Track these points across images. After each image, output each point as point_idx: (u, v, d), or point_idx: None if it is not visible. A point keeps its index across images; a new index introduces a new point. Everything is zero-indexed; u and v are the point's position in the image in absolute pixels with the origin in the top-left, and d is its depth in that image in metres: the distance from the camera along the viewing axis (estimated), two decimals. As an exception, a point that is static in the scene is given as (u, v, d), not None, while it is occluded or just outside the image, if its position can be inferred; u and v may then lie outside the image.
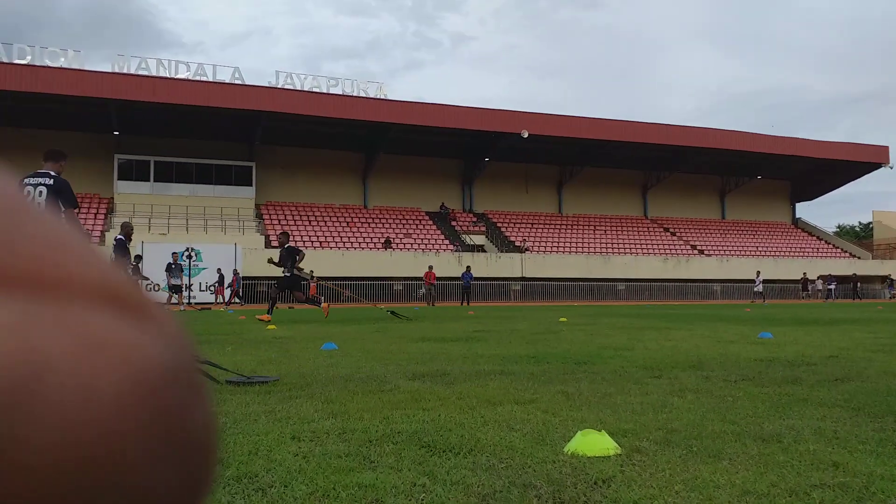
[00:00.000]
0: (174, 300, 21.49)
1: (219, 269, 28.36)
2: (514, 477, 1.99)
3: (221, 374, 4.04)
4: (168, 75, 32.26)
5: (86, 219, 33.13)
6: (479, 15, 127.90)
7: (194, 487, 0.20)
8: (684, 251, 42.63)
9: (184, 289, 23.80)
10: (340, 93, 35.29)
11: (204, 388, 0.21)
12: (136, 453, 0.18)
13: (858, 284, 39.60)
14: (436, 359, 5.38)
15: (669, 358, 5.41)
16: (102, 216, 33.70)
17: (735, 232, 47.29)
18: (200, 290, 28.16)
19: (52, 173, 5.52)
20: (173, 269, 21.78)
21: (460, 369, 4.65)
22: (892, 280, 33.21)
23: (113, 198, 34.91)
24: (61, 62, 30.81)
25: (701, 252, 42.90)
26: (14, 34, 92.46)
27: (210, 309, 21.27)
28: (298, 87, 34.65)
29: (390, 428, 2.65)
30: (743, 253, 43.58)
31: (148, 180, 35.22)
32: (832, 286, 36.64)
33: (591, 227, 43.55)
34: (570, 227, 43.23)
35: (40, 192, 5.05)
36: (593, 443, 2.27)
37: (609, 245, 41.51)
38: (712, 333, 8.47)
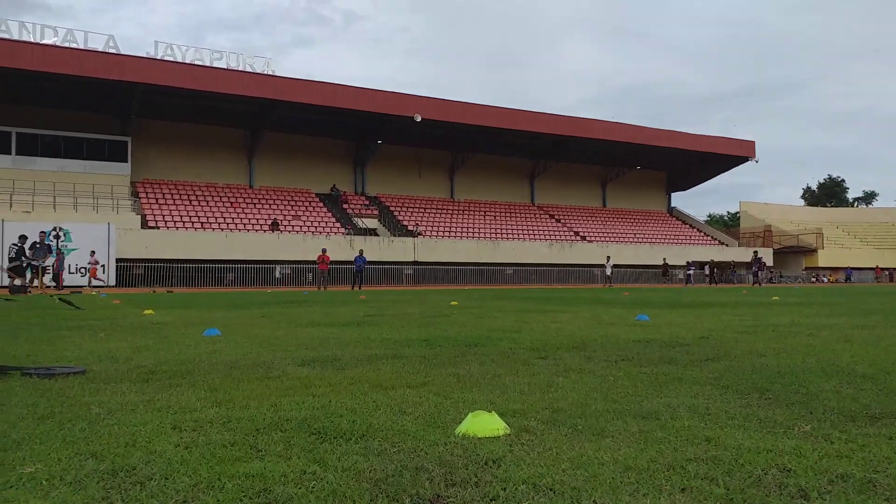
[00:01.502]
0: (35, 283, 19.99)
1: (92, 252, 26.67)
2: (406, 461, 1.98)
3: (15, 366, 3.78)
4: (33, 40, 29.72)
5: (-65, 194, 30.08)
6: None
7: None
8: (568, 237, 44.30)
9: (49, 271, 22.18)
10: (225, 67, 33.85)
11: None
12: None
13: (715, 270, 42.69)
14: (326, 344, 5.29)
15: (555, 339, 5.58)
16: (-45, 191, 30.71)
17: (615, 219, 49.68)
18: (70, 273, 26.32)
19: None
20: (38, 248, 20.21)
21: (352, 354, 4.59)
22: (760, 262, 36.01)
23: (-32, 171, 31.89)
24: None
25: (583, 238, 44.74)
26: None
27: (80, 292, 19.90)
28: (179, 59, 32.92)
29: (278, 415, 2.57)
30: (622, 239, 45.85)
31: (9, 153, 32.40)
32: (690, 271, 39.27)
33: (482, 213, 44.35)
34: (461, 212, 43.81)
35: None
36: (483, 424, 2.30)
37: (498, 230, 42.45)
38: (594, 316, 8.84)
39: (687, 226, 53.15)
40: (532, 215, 46.50)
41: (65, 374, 3.60)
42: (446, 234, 40.27)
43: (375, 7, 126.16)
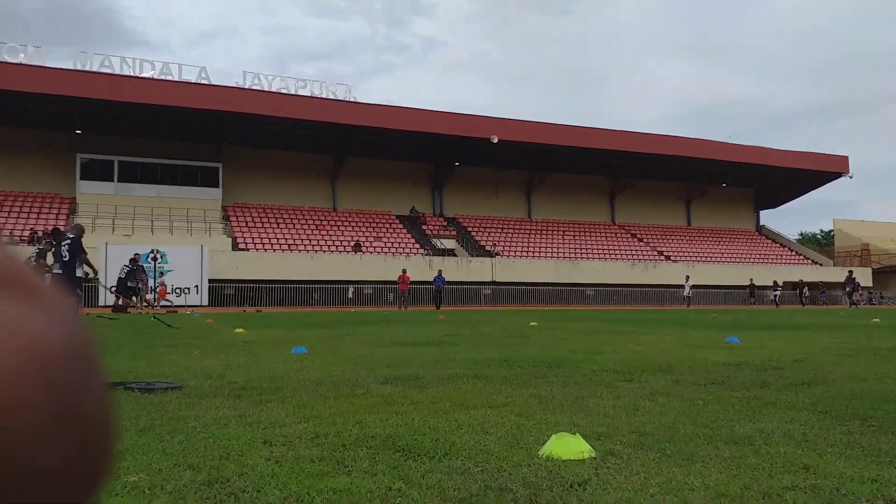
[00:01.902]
0: (132, 302, 21.09)
1: (161, 272, 27.02)
2: (489, 480, 1.98)
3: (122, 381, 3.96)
4: (133, 74, 31.69)
5: (46, 219, 32.36)
6: (449, 20, 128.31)
7: (91, 467, 0.20)
8: (651, 257, 43.22)
9: (147, 291, 23.36)
10: (309, 94, 35.04)
11: (99, 367, 0.21)
12: (27, 429, 0.18)
13: (805, 290, 40.54)
14: (408, 363, 5.35)
15: (639, 362, 5.45)
16: (65, 216, 32.94)
17: (700, 238, 48.12)
18: (167, 293, 27.69)
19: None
20: (134, 271, 21.37)
21: (433, 373, 4.63)
22: (854, 283, 34.04)
23: (75, 198, 34.16)
24: (21, 58, 30.08)
25: (667, 258, 43.54)
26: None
27: (176, 312, 20.89)
28: (266, 88, 34.31)
29: (364, 432, 2.62)
30: (708, 259, 44.34)
31: (112, 180, 34.51)
32: (777, 292, 37.44)
33: (560, 233, 43.90)
34: (539, 232, 43.51)
35: None
36: (568, 446, 2.27)
37: (578, 250, 41.89)
38: (680, 338, 8.57)
39: (777, 244, 50.89)
40: (613, 235, 45.67)
41: (163, 389, 3.78)
42: (524, 254, 40.06)
43: (453, 32, 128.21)
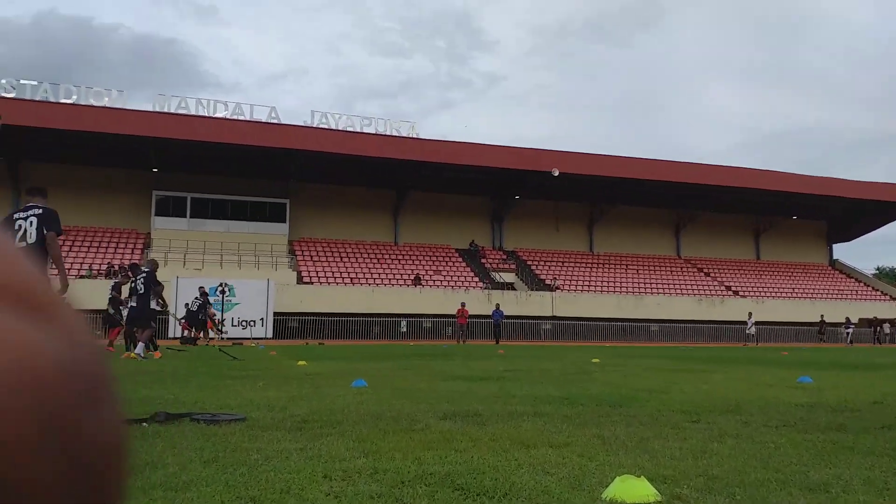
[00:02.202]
0: (200, 336, 21.66)
1: (186, 304, 26.20)
2: (550, 523, 1.93)
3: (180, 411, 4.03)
4: (207, 114, 33.11)
5: (123, 253, 33.83)
6: (510, 55, 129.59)
7: (89, 489, 0.19)
8: (718, 292, 41.97)
9: (214, 324, 23.97)
10: (374, 132, 35.84)
11: (108, 392, 0.20)
12: (20, 451, 0.17)
13: (880, 328, 38.47)
14: (466, 398, 5.32)
15: (707, 402, 5.27)
16: (140, 251, 34.39)
17: (770, 273, 46.47)
18: (233, 325, 28.42)
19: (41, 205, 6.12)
20: (203, 304, 22.01)
21: (492, 409, 4.58)
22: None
23: (150, 233, 35.66)
24: (105, 101, 31.88)
25: (735, 293, 42.20)
26: (65, 74, 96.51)
27: (241, 344, 21.38)
28: (333, 127, 35.27)
29: (422, 469, 2.61)
30: (778, 294, 42.75)
31: (184, 216, 35.91)
32: (850, 329, 35.64)
33: (623, 267, 43.15)
34: (601, 265, 42.89)
35: (31, 221, 5.72)
36: (632, 489, 2.21)
37: (641, 285, 41.06)
38: (749, 376, 8.25)
39: (852, 279, 48.66)
40: (678, 269, 44.62)
41: (227, 420, 3.86)
42: (586, 288, 39.50)
43: (513, 66, 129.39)
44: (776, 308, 38.94)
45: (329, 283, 34.54)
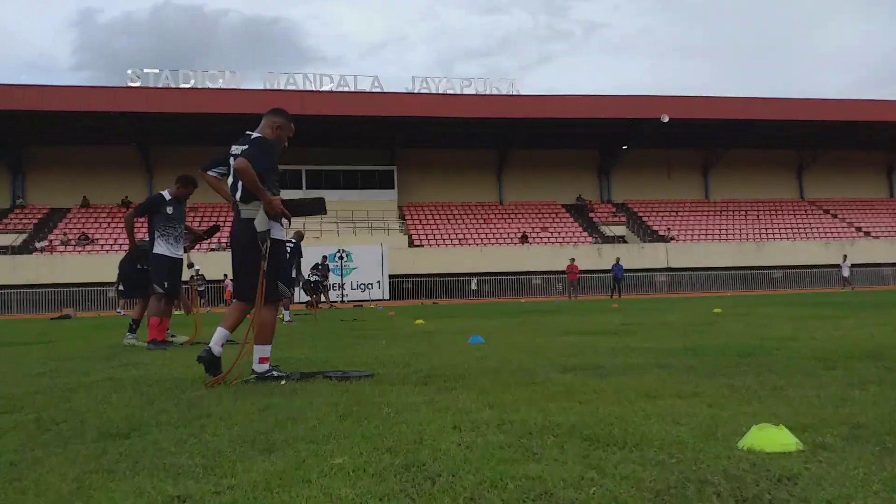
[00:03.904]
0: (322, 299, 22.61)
1: (225, 275, 26.95)
2: (687, 472, 1.90)
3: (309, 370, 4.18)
4: (314, 88, 34.06)
5: (245, 226, 35.72)
6: (611, 1, 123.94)
7: None
8: (848, 234, 39.12)
9: (328, 288, 25.03)
10: (473, 92, 35.63)
11: None
12: None
13: None
14: (585, 352, 5.29)
15: (842, 348, 4.97)
16: (259, 223, 36.19)
17: (909, 210, 42.73)
18: (352, 289, 29.83)
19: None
20: (320, 269, 22.95)
21: (612, 362, 4.53)
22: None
23: (270, 206, 37.42)
24: (220, 83, 33.45)
25: (867, 234, 39.19)
26: (182, 60, 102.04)
27: (361, 306, 22.21)
28: (433, 91, 35.36)
29: (549, 420, 2.63)
30: (920, 233, 39.32)
31: (301, 188, 37.46)
32: None
33: (742, 213, 41.02)
34: (718, 213, 40.98)
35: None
36: (771, 438, 2.13)
37: (762, 231, 38.95)
38: (889, 321, 7.70)
39: None
40: (802, 212, 41.89)
41: (357, 377, 4.05)
42: (702, 237, 37.92)
43: (616, 12, 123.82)
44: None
45: (439, 246, 35.10)
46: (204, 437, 2.57)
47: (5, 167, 36.61)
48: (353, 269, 30.13)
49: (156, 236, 7.14)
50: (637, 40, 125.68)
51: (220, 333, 4.24)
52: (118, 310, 23.50)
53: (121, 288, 23.52)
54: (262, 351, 4.18)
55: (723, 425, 2.48)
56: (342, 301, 25.89)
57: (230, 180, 4.34)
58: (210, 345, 4.19)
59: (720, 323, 8.49)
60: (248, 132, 4.47)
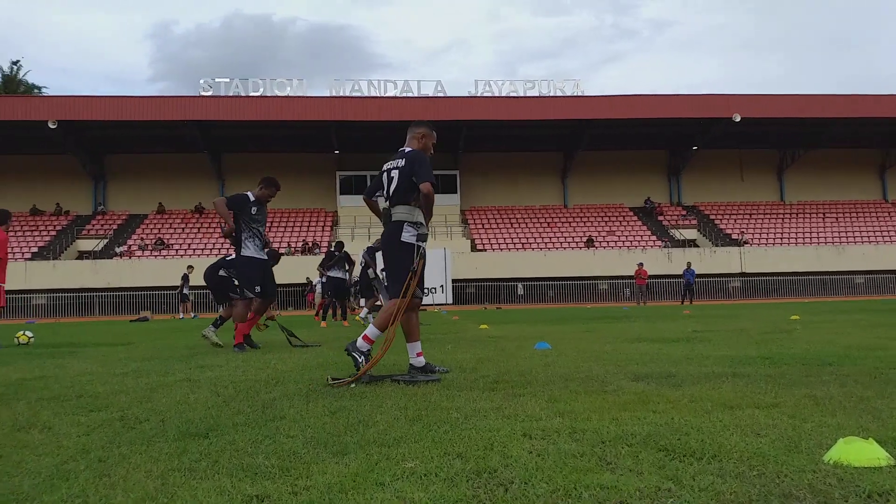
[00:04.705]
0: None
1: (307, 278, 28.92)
2: (769, 486, 1.83)
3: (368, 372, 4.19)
4: (378, 94, 34.52)
5: (314, 232, 36.51)
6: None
7: None
8: (939, 237, 37.00)
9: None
10: (537, 94, 35.38)
11: None
12: None
13: None
14: (656, 360, 5.17)
15: (936, 359, 4.70)
16: (329, 228, 36.94)
17: None
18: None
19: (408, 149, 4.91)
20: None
21: (686, 371, 4.41)
22: None
23: (336, 211, 38.14)
24: (288, 91, 34.32)
25: (961, 237, 36.97)
26: (252, 69, 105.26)
27: (425, 310, 22.31)
28: (496, 94, 35.30)
29: (622, 429, 2.58)
30: None
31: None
32: None
33: (820, 215, 39.35)
34: (794, 215, 39.44)
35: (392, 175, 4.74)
36: (860, 451, 2.03)
37: (842, 234, 37.26)
38: None
39: None
40: (886, 213, 39.86)
41: (424, 381, 4.07)
42: (778, 241, 36.55)
43: (685, 9, 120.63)
44: None
45: (502, 250, 34.96)
46: (279, 438, 2.63)
47: (89, 175, 38.52)
48: (419, 273, 30.44)
49: (243, 238, 7.17)
50: (707, 37, 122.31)
51: (411, 348, 4.64)
52: (180, 314, 24.39)
53: (185, 292, 24.96)
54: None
55: (806, 437, 2.38)
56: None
57: (390, 189, 4.65)
58: (410, 361, 4.63)
59: (798, 330, 8.16)
60: (400, 148, 4.84)
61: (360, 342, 4.42)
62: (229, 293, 8.43)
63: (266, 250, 7.37)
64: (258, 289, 7.21)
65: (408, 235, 4.51)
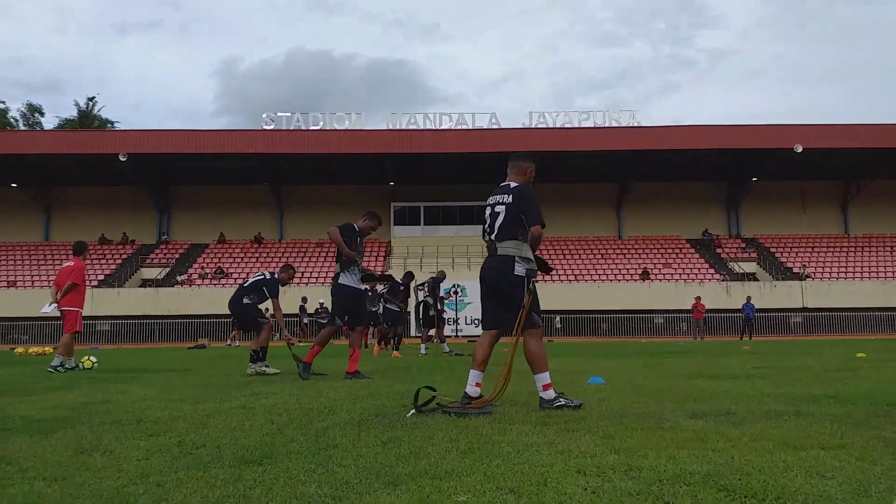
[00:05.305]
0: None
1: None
2: (837, 532, 1.75)
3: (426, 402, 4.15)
4: (433, 127, 34.97)
5: (368, 261, 36.91)
6: (739, 28, 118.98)
7: None
8: None
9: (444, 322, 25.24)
10: (592, 125, 35.24)
11: None
12: None
13: None
14: (715, 397, 5.02)
15: None
16: (382, 258, 37.33)
17: None
18: (466, 324, 29.88)
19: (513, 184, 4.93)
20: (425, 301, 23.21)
21: (746, 408, 4.27)
22: None
23: (390, 241, 38.55)
24: (346, 125, 35.12)
25: None
26: (313, 103, 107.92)
27: (475, 342, 22.22)
28: (550, 125, 35.32)
29: (680, 468, 2.51)
30: None
31: (419, 224, 38.39)
32: None
33: (888, 249, 37.79)
34: (860, 249, 37.97)
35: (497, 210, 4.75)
36: (936, 500, 1.92)
37: (913, 268, 35.65)
38: None
39: None
40: (961, 248, 38.00)
41: (475, 413, 4.04)
42: (842, 275, 35.19)
43: (743, 40, 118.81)
44: None
45: (553, 281, 34.61)
46: (331, 467, 2.65)
47: (154, 206, 39.98)
48: (468, 303, 30.31)
49: (340, 267, 7.35)
50: (767, 67, 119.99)
51: (473, 375, 4.73)
52: (228, 342, 24.82)
53: (306, 321, 25.18)
54: (542, 379, 4.60)
55: (876, 481, 2.27)
56: (456, 335, 26.09)
57: (495, 224, 4.68)
58: (466, 389, 4.67)
59: (865, 368, 7.81)
60: (504, 183, 4.88)
61: (547, 394, 4.51)
62: (257, 318, 8.68)
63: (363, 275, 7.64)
64: (346, 318, 7.36)
65: (520, 269, 4.54)
